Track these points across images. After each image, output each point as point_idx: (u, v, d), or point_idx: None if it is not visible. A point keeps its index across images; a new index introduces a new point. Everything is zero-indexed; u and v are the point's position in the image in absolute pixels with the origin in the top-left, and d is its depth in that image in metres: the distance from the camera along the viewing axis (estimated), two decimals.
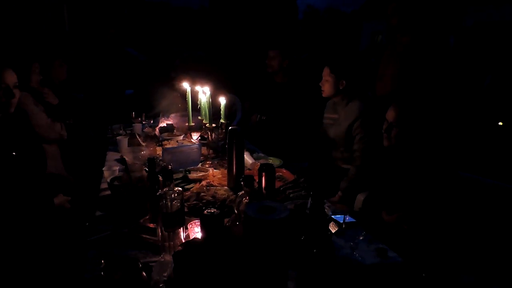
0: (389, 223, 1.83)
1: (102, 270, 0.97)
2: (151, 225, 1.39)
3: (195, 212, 1.57)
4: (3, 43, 4.45)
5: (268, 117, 3.24)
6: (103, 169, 2.04)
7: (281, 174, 2.05)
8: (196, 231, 1.31)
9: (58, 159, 2.45)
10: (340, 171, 2.48)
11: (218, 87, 2.70)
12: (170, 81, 3.77)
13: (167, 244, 1.28)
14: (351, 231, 1.45)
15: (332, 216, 1.52)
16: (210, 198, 1.68)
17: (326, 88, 2.46)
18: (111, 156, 2.48)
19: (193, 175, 2.01)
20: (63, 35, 5.97)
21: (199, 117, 2.58)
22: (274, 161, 2.31)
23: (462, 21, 10.20)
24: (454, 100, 2.74)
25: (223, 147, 2.33)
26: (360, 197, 2.11)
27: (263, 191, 1.37)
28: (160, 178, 1.29)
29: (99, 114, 3.32)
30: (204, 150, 2.37)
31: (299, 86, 3.23)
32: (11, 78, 1.75)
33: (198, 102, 2.51)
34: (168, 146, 2.48)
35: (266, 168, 1.37)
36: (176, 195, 1.25)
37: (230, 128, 1.85)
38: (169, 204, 1.23)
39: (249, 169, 2.11)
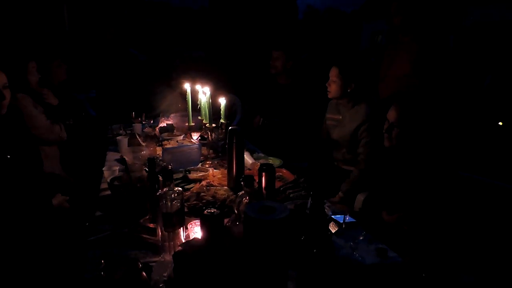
0: (389, 223, 1.83)
1: (102, 270, 0.97)
2: (151, 225, 1.39)
3: (195, 212, 1.57)
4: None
5: (272, 122, 3.20)
6: (103, 169, 2.04)
7: (281, 174, 2.05)
8: (196, 231, 1.31)
9: (57, 160, 2.45)
10: (341, 172, 2.48)
11: (218, 87, 2.70)
12: (170, 81, 3.78)
13: (167, 244, 1.28)
14: (351, 231, 1.44)
15: (332, 216, 1.52)
16: (210, 198, 1.68)
17: (333, 89, 2.40)
18: (111, 156, 2.48)
19: (193, 175, 2.01)
20: (63, 35, 5.96)
21: (199, 117, 2.58)
22: (274, 161, 2.30)
23: (462, 21, 10.20)
24: (455, 100, 2.74)
25: (223, 147, 2.33)
26: (360, 197, 2.11)
27: (263, 191, 1.37)
28: (160, 178, 1.29)
29: (115, 111, 3.29)
30: (204, 150, 2.37)
31: (302, 88, 3.20)
32: (0, 78, 1.72)
33: (198, 102, 2.51)
34: (168, 146, 2.48)
35: (266, 168, 1.37)
36: (176, 195, 1.25)
37: (230, 128, 1.84)
38: (169, 204, 1.23)
39: (249, 169, 2.11)
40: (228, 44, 8.37)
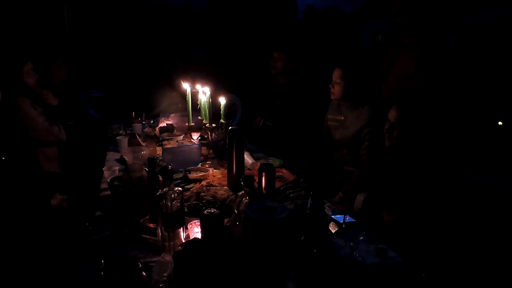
0: (389, 223, 1.83)
1: (102, 270, 0.97)
2: (151, 225, 1.39)
3: (195, 212, 1.57)
4: None
5: (273, 123, 3.19)
6: (103, 169, 2.04)
7: (281, 174, 2.05)
8: (196, 231, 1.31)
9: (56, 161, 2.44)
10: (342, 172, 2.48)
11: (218, 87, 2.70)
12: (170, 81, 3.78)
13: (167, 244, 1.28)
14: (351, 231, 1.44)
15: (332, 216, 1.52)
16: (210, 198, 1.68)
17: (337, 91, 2.38)
18: (111, 156, 2.48)
19: (193, 175, 2.01)
20: (63, 35, 5.96)
21: (199, 117, 2.58)
22: (274, 161, 2.30)
23: (462, 21, 10.20)
24: (455, 100, 2.74)
25: (223, 147, 2.33)
26: (360, 197, 2.11)
27: (263, 191, 1.37)
28: (160, 178, 1.29)
29: (117, 111, 3.30)
30: (204, 150, 2.37)
31: (302, 88, 3.19)
32: None
33: (198, 102, 2.51)
34: (168, 146, 2.48)
35: (266, 168, 1.37)
36: (176, 195, 1.25)
37: (230, 128, 1.84)
38: (169, 204, 1.23)
39: (249, 169, 2.11)
40: (228, 44, 8.37)
